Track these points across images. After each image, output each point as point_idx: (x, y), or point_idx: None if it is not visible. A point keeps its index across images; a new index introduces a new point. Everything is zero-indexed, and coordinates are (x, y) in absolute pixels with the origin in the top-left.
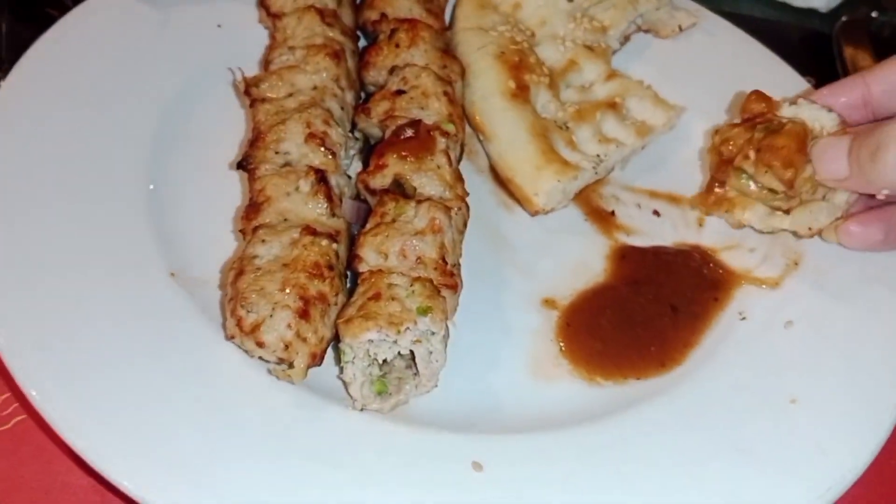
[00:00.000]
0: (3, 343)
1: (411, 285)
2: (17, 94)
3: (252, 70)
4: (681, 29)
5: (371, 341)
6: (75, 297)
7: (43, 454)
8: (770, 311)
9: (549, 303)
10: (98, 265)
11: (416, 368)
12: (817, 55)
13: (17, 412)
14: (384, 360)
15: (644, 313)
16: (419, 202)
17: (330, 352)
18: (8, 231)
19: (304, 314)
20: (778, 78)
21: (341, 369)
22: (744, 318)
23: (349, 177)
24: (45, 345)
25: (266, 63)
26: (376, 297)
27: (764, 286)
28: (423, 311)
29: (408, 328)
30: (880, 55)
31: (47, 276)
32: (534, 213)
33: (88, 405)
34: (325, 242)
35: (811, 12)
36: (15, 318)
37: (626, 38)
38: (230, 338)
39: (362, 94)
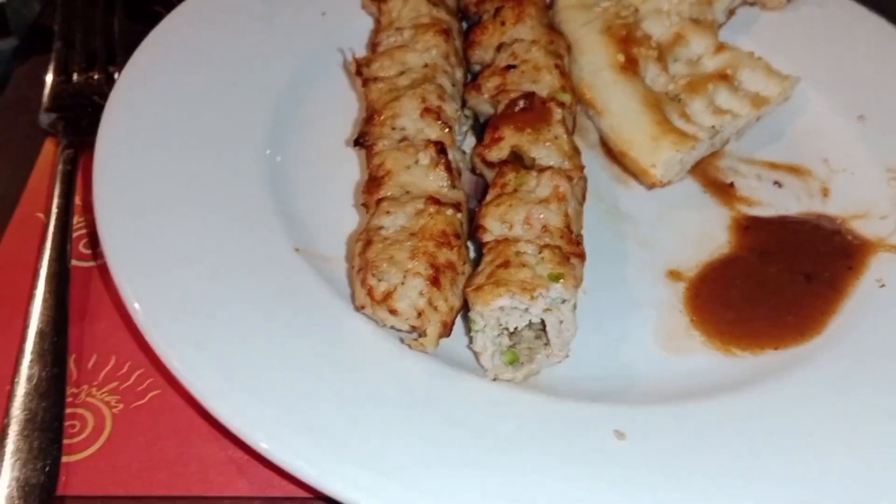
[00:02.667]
0: (144, 318)
1: (540, 252)
2: (135, 86)
3: (359, 54)
4: (788, 0)
5: (502, 309)
6: (208, 274)
7: (180, 428)
8: None
9: (674, 275)
10: (228, 243)
11: (546, 339)
12: None
13: (151, 387)
14: (513, 331)
15: (776, 283)
16: (540, 171)
17: (458, 323)
18: (144, 213)
19: (435, 282)
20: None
21: (471, 339)
22: (883, 286)
23: (464, 152)
24: (184, 319)
25: (373, 46)
26: (505, 264)
27: None
28: (555, 278)
29: (540, 294)
30: None
31: (181, 255)
32: (650, 186)
33: (228, 375)
34: (450, 212)
35: None
36: (154, 296)
37: (732, 12)
38: (360, 308)
39: (468, 75)
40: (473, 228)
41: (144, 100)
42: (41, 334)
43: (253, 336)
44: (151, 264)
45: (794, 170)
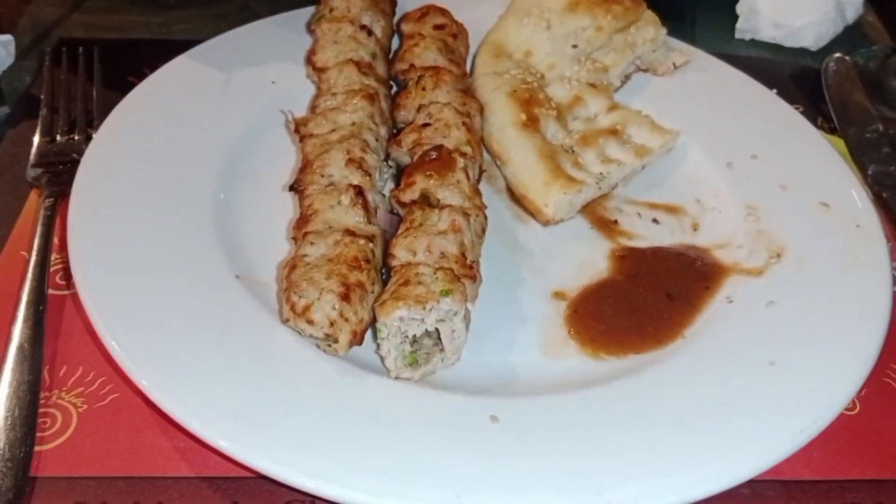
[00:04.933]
0: (106, 333)
1: (435, 273)
2: (106, 144)
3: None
4: (675, 67)
5: (402, 319)
6: (160, 296)
7: (134, 423)
8: (754, 294)
9: (558, 295)
10: (178, 270)
11: (442, 345)
12: (806, 88)
13: (112, 391)
14: (414, 339)
15: (642, 300)
16: (442, 209)
17: (369, 335)
18: (109, 250)
19: (345, 297)
20: (766, 104)
21: (378, 346)
22: (731, 302)
23: (383, 195)
24: (138, 332)
25: (313, 108)
26: (406, 283)
27: (749, 275)
28: (445, 293)
29: (432, 307)
30: (868, 86)
31: (139, 282)
32: (545, 224)
33: (172, 374)
34: (362, 242)
35: (803, 51)
36: (115, 315)
37: (627, 77)
38: (285, 321)
39: (395, 132)
40: (384, 257)
41: (114, 155)
42: (21, 349)
43: (195, 344)
44: (113, 291)
45: (671, 209)
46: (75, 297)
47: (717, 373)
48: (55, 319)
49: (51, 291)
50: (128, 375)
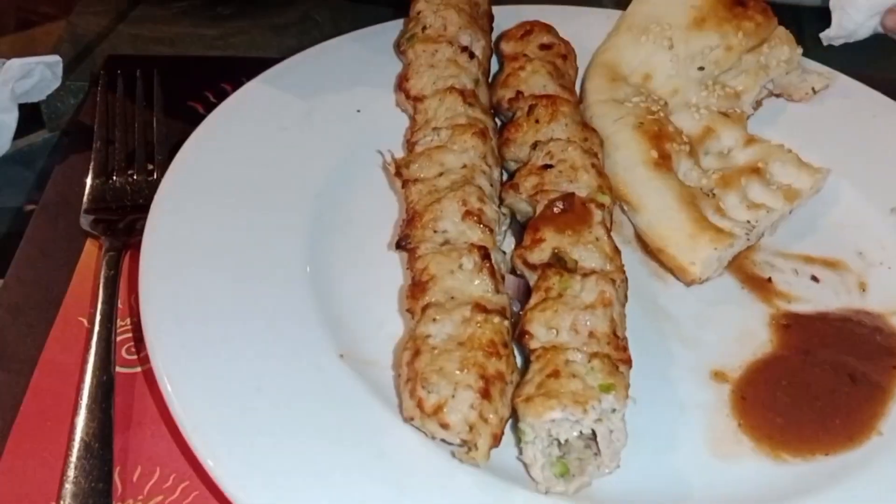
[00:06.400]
0: (188, 424)
1: (589, 361)
2: (178, 190)
3: (395, 151)
4: (814, 91)
5: (553, 421)
6: (254, 382)
7: None
8: None
9: (719, 375)
10: (271, 350)
11: (596, 447)
12: None
13: (197, 500)
14: (563, 441)
15: (821, 384)
16: (584, 276)
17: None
18: (190, 321)
19: (485, 394)
20: None
21: (520, 450)
22: None
23: (504, 252)
24: (230, 429)
25: (411, 145)
26: (555, 374)
27: None
28: (606, 389)
29: (592, 407)
30: None
31: (227, 364)
32: (689, 283)
33: (275, 488)
34: (496, 320)
35: None
36: (200, 406)
37: (759, 103)
38: (409, 419)
39: (503, 172)
40: (518, 334)
41: (187, 204)
42: (87, 447)
43: (301, 446)
44: (197, 374)
45: (830, 264)
46: (148, 375)
47: None
48: (124, 403)
49: (118, 369)
50: (218, 486)
